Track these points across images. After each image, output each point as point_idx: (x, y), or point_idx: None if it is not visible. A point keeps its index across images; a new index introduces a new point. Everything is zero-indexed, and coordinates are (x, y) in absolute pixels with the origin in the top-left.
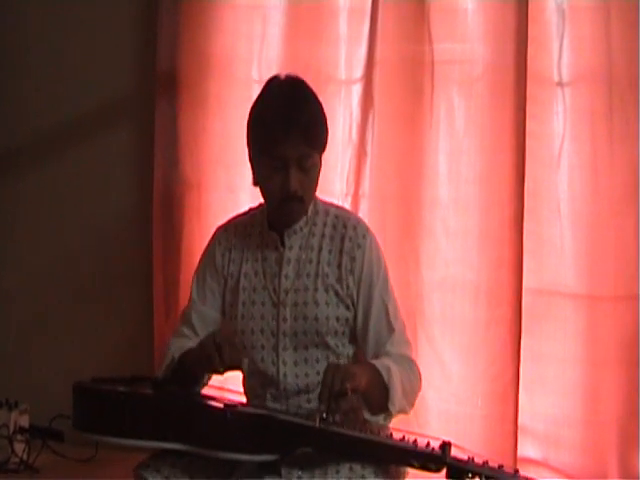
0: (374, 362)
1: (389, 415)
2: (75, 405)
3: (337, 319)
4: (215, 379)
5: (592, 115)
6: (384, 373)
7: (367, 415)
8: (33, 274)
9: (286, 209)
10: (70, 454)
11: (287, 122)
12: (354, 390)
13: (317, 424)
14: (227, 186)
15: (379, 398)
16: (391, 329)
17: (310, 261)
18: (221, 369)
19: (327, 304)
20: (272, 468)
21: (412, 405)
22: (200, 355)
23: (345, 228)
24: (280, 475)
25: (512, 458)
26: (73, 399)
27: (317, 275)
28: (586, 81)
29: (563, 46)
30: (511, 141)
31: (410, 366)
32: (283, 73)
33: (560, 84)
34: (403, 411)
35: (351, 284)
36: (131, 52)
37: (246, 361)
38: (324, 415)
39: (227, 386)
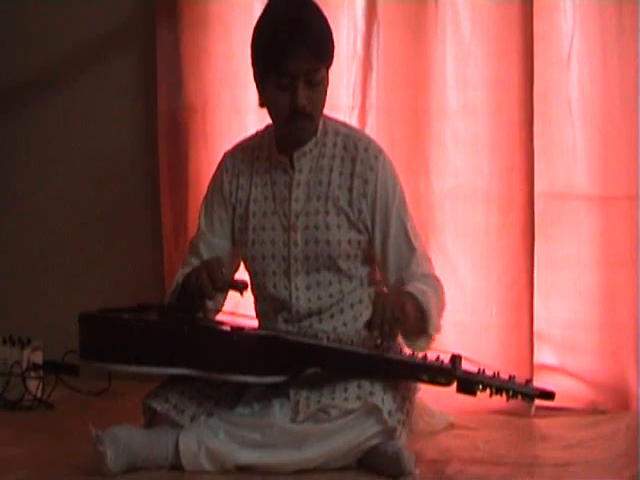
0: (409, 289)
1: (429, 338)
2: (82, 335)
3: (349, 242)
4: (227, 305)
5: (600, 11)
6: (421, 299)
7: (407, 341)
8: (40, 208)
9: (295, 126)
10: (84, 388)
11: (293, 37)
12: (405, 318)
13: (325, 342)
14: (232, 107)
15: (417, 323)
16: (412, 248)
17: (320, 183)
18: (211, 292)
19: (338, 227)
20: (280, 390)
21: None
22: (191, 284)
23: (356, 149)
24: (288, 397)
25: (528, 366)
26: (80, 329)
27: (328, 198)
28: None
29: None
30: (518, 43)
31: (436, 285)
32: None
33: None
34: (438, 331)
35: (364, 208)
36: None
37: (241, 285)
38: (378, 342)
39: (239, 311)
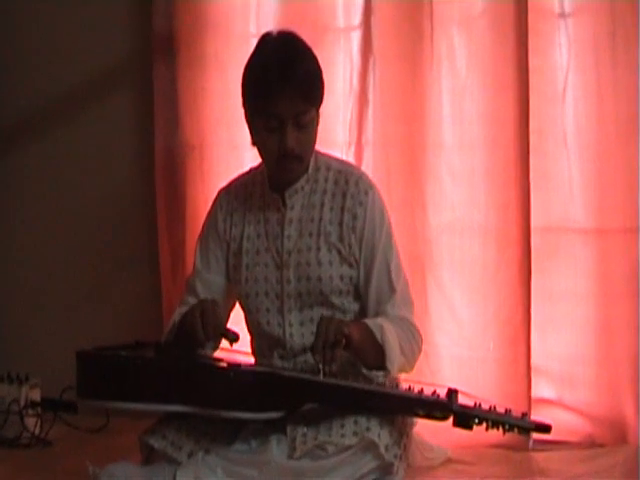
0: (366, 321)
1: (387, 373)
2: (79, 373)
3: (341, 278)
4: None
5: (595, 45)
6: (376, 331)
7: (365, 372)
8: (36, 244)
9: (284, 168)
10: (82, 425)
11: (281, 79)
12: (347, 339)
13: (321, 377)
14: (229, 145)
15: (374, 355)
16: (392, 289)
17: (312, 220)
18: (201, 344)
19: (330, 263)
20: (277, 427)
21: (412, 366)
22: (191, 331)
23: (347, 184)
24: (285, 433)
25: (526, 400)
26: (77, 367)
27: (319, 234)
28: (588, 11)
29: None
30: (514, 77)
31: (409, 328)
32: (275, 29)
33: (562, 15)
34: (403, 370)
35: (353, 242)
36: (126, 14)
37: (231, 336)
38: (320, 366)
39: (236, 347)
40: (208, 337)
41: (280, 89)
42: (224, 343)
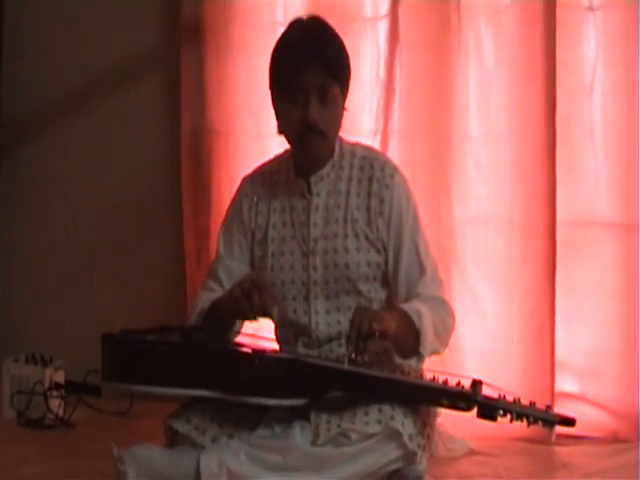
0: (403, 306)
1: (421, 358)
2: (104, 356)
3: (368, 264)
4: (248, 326)
5: (623, 38)
6: (414, 317)
7: (399, 359)
8: (63, 228)
9: (308, 143)
10: (105, 408)
11: (306, 52)
12: (382, 332)
13: (345, 366)
14: (255, 132)
15: (411, 342)
16: (422, 270)
17: (338, 206)
18: (251, 316)
19: (357, 250)
20: (301, 413)
21: (446, 345)
22: (229, 302)
23: (372, 169)
24: (309, 420)
25: (550, 394)
26: (102, 350)
27: (346, 220)
28: (616, 4)
29: None
30: (541, 70)
31: (442, 306)
32: (305, 15)
33: (590, 8)
34: (436, 352)
35: (381, 226)
36: (154, 2)
37: (276, 309)
38: (352, 356)
39: (260, 333)
40: (262, 305)
41: (305, 60)
42: None
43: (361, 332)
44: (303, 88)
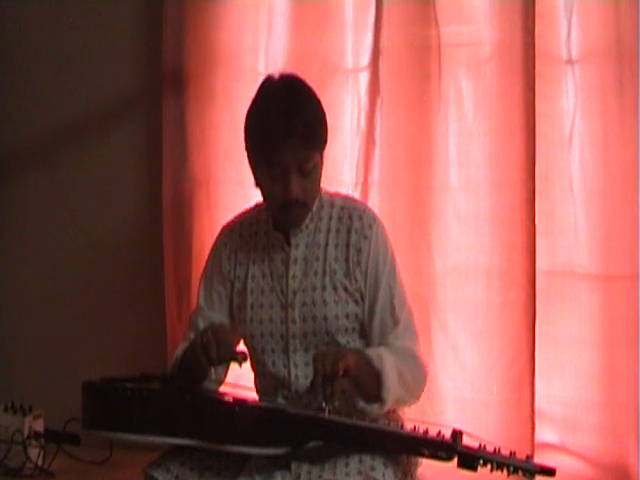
0: (365, 350)
1: (383, 404)
2: (85, 404)
3: (347, 317)
4: (229, 376)
5: (602, 91)
6: (375, 359)
7: (361, 404)
8: (44, 278)
9: (289, 215)
10: (85, 457)
11: (283, 129)
12: (346, 369)
13: (326, 415)
14: (237, 181)
15: (371, 385)
16: (396, 321)
17: (317, 258)
18: (211, 365)
19: (336, 302)
20: (282, 463)
21: (416, 397)
22: (192, 352)
23: (351, 219)
24: (290, 470)
25: (529, 444)
26: (83, 398)
27: (325, 273)
28: (595, 57)
29: (571, 23)
30: (521, 122)
31: (413, 359)
32: (277, 73)
33: (569, 62)
34: (402, 402)
35: (359, 277)
36: (136, 49)
37: (240, 357)
38: (323, 404)
39: (241, 383)
40: (220, 357)
41: (283, 139)
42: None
43: (326, 374)
44: (282, 165)
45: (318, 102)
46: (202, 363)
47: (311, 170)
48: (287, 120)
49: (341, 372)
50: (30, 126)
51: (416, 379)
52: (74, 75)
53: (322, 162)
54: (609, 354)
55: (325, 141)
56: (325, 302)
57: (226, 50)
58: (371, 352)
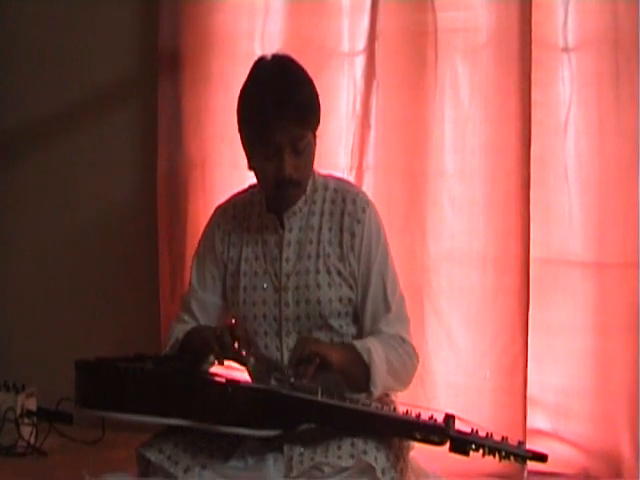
0: (354, 342)
1: (371, 395)
2: (78, 382)
3: (340, 300)
4: None
5: (598, 79)
6: (363, 352)
7: (348, 394)
8: (38, 258)
9: (282, 194)
10: (77, 436)
11: (276, 108)
12: (322, 357)
13: (319, 397)
14: (231, 163)
15: (359, 376)
16: (388, 307)
17: (311, 242)
18: (219, 362)
19: (329, 286)
20: (274, 445)
21: (405, 384)
22: (202, 345)
23: (344, 202)
24: (282, 452)
25: (521, 430)
26: (76, 376)
27: (318, 256)
28: (592, 45)
29: (568, 11)
30: (517, 109)
31: (402, 346)
32: (269, 53)
33: (566, 49)
34: (391, 389)
35: (352, 261)
36: (132, 32)
37: (252, 360)
38: (292, 380)
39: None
40: (222, 361)
41: (275, 118)
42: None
43: (300, 358)
44: (276, 144)
45: (311, 82)
46: (213, 356)
47: (304, 148)
48: (280, 99)
49: (317, 360)
50: (27, 110)
51: (406, 368)
52: (71, 58)
53: (315, 142)
54: (602, 342)
55: (318, 120)
56: (319, 285)
57: (222, 33)
58: (360, 345)
